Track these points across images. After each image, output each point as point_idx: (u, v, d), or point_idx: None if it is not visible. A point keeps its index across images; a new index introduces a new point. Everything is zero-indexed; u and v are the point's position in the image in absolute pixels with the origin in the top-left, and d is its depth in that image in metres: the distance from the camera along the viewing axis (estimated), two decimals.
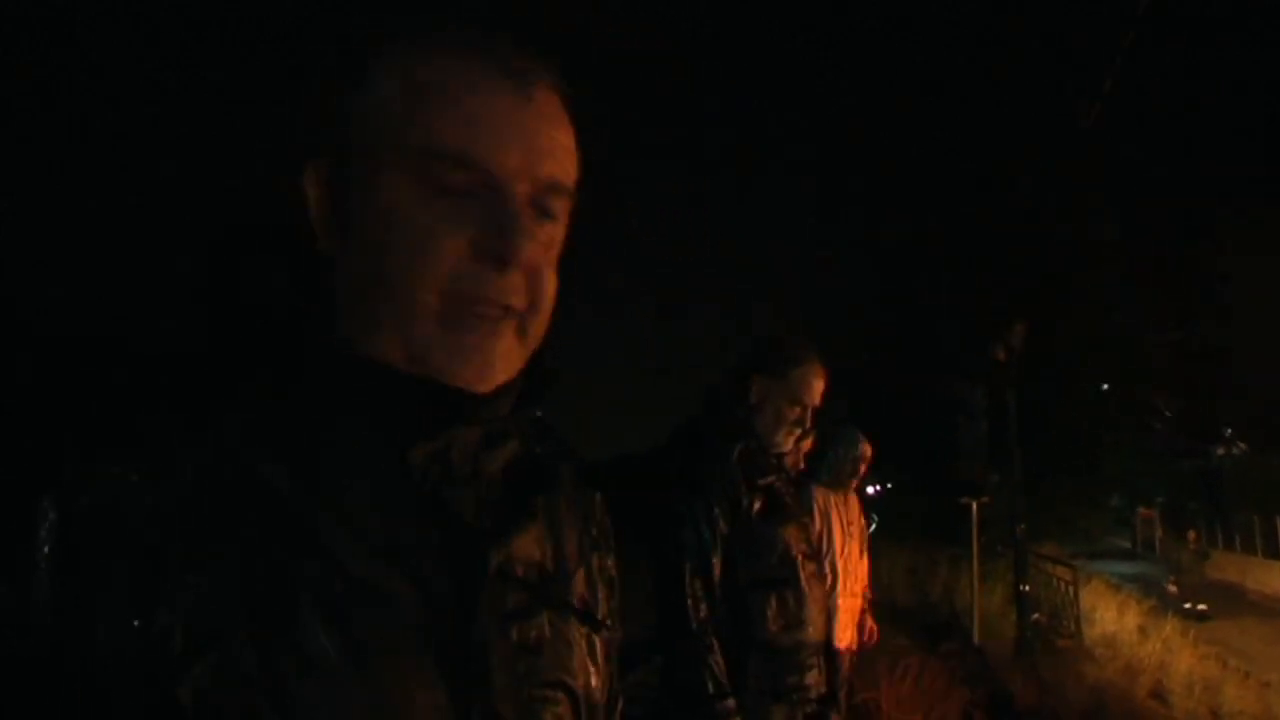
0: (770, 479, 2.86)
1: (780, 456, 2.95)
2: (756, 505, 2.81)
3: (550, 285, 0.85)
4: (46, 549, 0.72)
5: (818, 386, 2.93)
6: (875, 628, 5.40)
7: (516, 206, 0.80)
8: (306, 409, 0.80)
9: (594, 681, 0.92)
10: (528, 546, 0.89)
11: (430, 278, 0.78)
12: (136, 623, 0.69)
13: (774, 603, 2.75)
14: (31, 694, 0.70)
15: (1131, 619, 11.58)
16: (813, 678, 2.82)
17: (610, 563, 1.03)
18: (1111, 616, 11.72)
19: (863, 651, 5.39)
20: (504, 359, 0.82)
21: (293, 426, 0.79)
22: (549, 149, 0.83)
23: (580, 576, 0.95)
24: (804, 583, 2.80)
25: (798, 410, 2.89)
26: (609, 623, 0.97)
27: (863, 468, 5.23)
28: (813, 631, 2.80)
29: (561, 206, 0.86)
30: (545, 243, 0.84)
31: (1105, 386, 25.36)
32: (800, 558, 2.83)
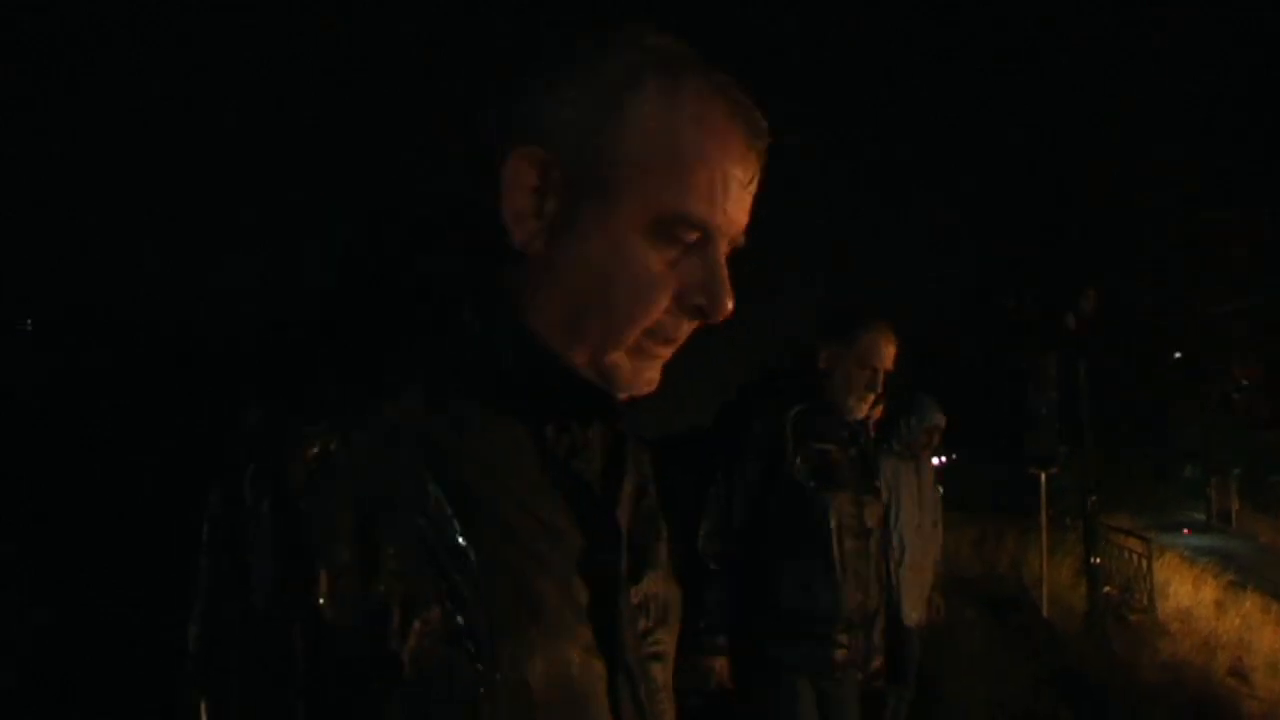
0: (828, 445, 2.87)
1: (857, 424, 2.96)
2: (797, 467, 2.81)
3: None
4: (262, 514, 0.71)
5: (887, 350, 2.92)
6: (942, 604, 5.29)
7: (722, 263, 0.88)
8: (475, 387, 0.83)
9: (675, 635, 0.99)
10: (627, 509, 0.95)
11: (645, 320, 0.86)
12: (358, 594, 0.71)
13: (795, 569, 2.76)
14: (253, 664, 0.70)
15: (1208, 593, 11.29)
16: (842, 654, 2.80)
17: (664, 521, 1.08)
18: (1187, 591, 11.44)
19: (931, 626, 5.29)
20: (658, 379, 0.92)
21: (462, 402, 0.82)
22: (746, 205, 0.90)
23: (660, 537, 1.01)
24: (837, 555, 2.79)
25: (867, 373, 2.90)
26: (677, 578, 1.03)
27: (936, 437, 5.10)
28: (841, 606, 2.79)
29: (729, 252, 0.91)
30: None
31: (1178, 355, 24.75)
32: (839, 530, 2.81)
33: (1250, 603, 10.55)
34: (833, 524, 2.81)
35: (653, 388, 0.91)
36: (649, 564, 0.96)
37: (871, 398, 2.94)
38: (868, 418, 3.04)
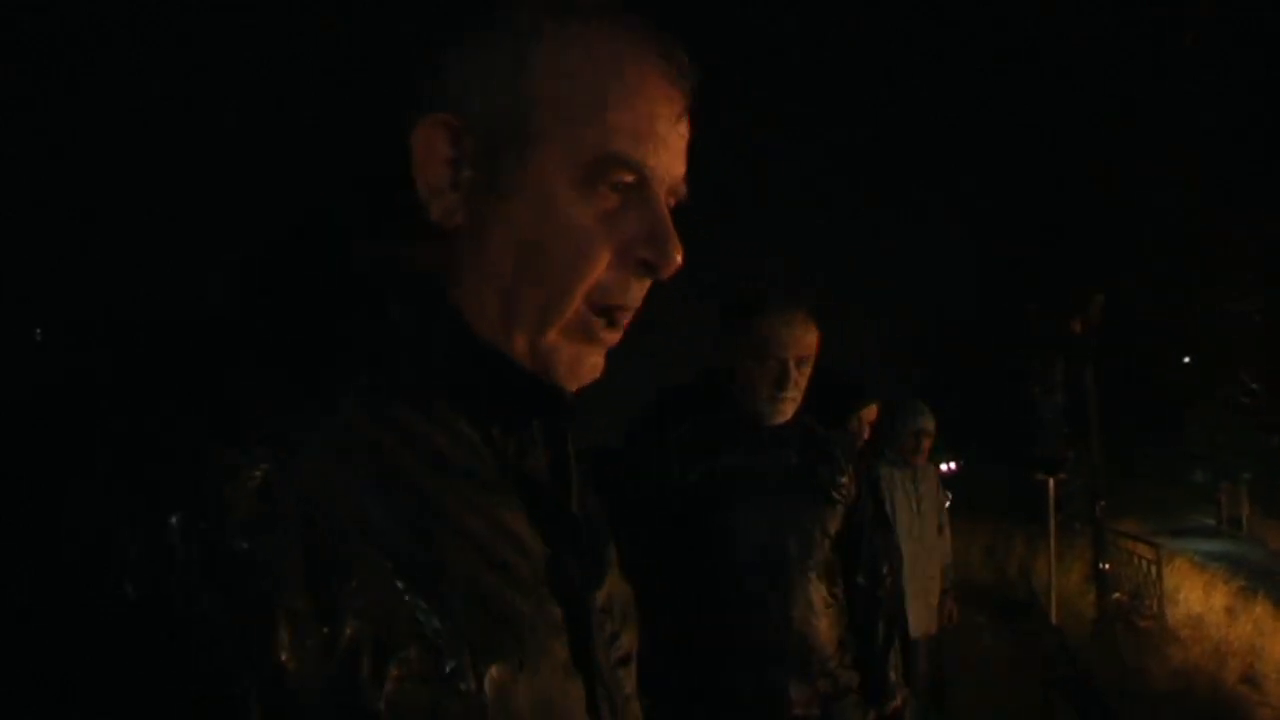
0: (735, 457, 2.35)
1: (793, 428, 2.42)
2: (697, 492, 2.29)
3: None
4: (196, 568, 0.58)
5: (796, 337, 2.35)
6: (955, 609, 5.24)
7: (664, 210, 0.81)
8: (415, 389, 0.76)
9: (636, 634, 0.95)
10: (578, 507, 0.90)
11: (585, 281, 0.78)
12: (321, 644, 0.61)
13: (731, 613, 2.25)
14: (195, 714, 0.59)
15: (1219, 599, 11.19)
16: (799, 694, 2.28)
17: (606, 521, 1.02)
18: (1197, 597, 11.35)
19: (941, 634, 5.24)
20: (602, 365, 0.85)
21: (403, 407, 0.74)
22: (681, 150, 0.84)
23: (608, 536, 0.97)
24: (793, 598, 2.28)
25: (771, 367, 2.33)
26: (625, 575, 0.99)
27: (926, 442, 5.01)
28: (794, 639, 2.28)
29: (672, 206, 0.85)
30: None
31: (1187, 359, 24.67)
32: (779, 550, 2.29)
33: (1261, 609, 10.45)
34: (760, 552, 2.29)
35: (598, 374, 0.84)
36: (605, 563, 0.92)
37: (786, 398, 2.35)
38: (796, 422, 2.46)
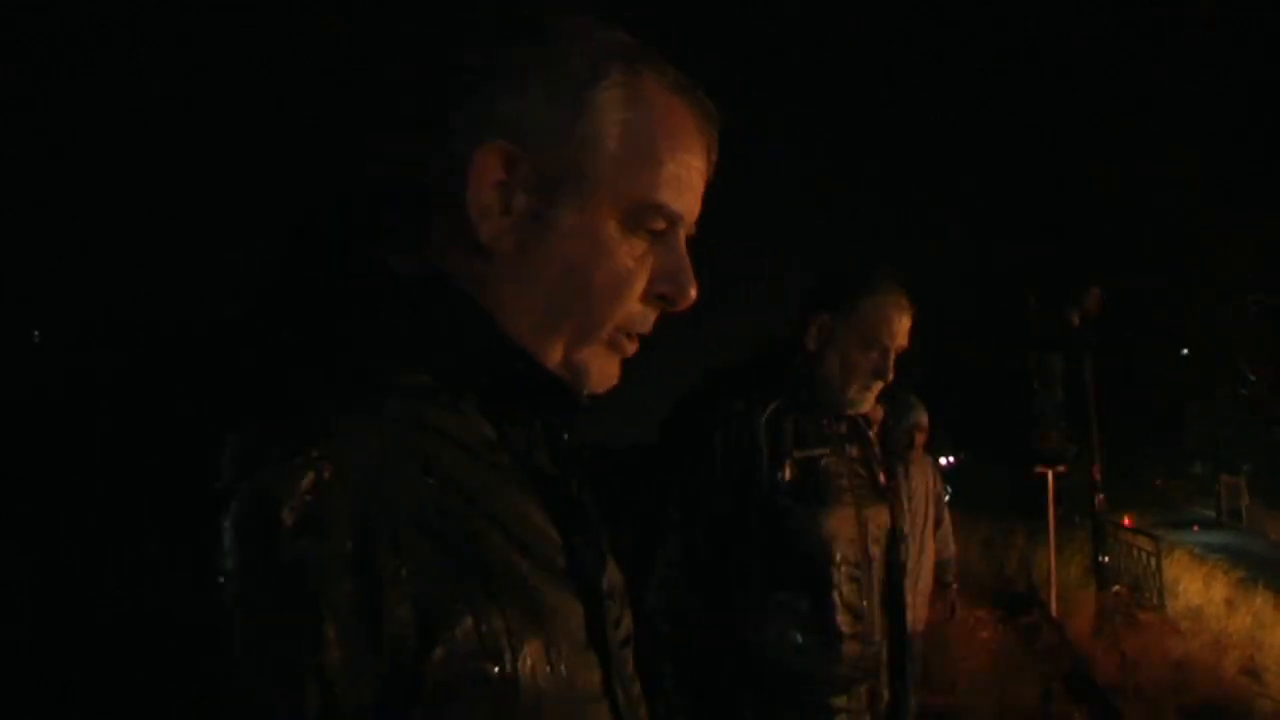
0: (818, 451, 2.19)
1: (854, 421, 2.29)
2: (784, 479, 2.13)
3: None
4: (252, 566, 0.62)
5: (900, 322, 2.21)
6: (955, 604, 5.26)
7: (685, 250, 0.91)
8: (449, 390, 0.81)
9: (632, 624, 0.99)
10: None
11: (621, 312, 0.88)
12: (371, 632, 0.65)
13: (797, 608, 2.11)
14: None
15: (1219, 591, 11.22)
16: (856, 701, 2.16)
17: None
18: (1197, 588, 11.37)
19: (937, 626, 5.26)
20: (617, 374, 0.93)
21: (438, 407, 0.79)
22: (701, 194, 0.92)
23: (603, 526, 1.01)
24: (837, 594, 2.13)
25: (874, 355, 2.19)
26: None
27: (920, 437, 5.00)
28: (841, 663, 2.13)
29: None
30: None
31: (1186, 352, 24.68)
32: (839, 562, 2.14)
33: (1261, 600, 10.47)
34: (833, 556, 2.15)
35: (614, 383, 0.92)
36: (605, 551, 0.96)
37: (879, 386, 2.23)
38: (874, 410, 2.34)
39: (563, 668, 0.78)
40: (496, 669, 0.72)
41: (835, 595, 2.14)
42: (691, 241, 0.94)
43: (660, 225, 0.88)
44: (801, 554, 2.14)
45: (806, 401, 2.22)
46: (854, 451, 2.29)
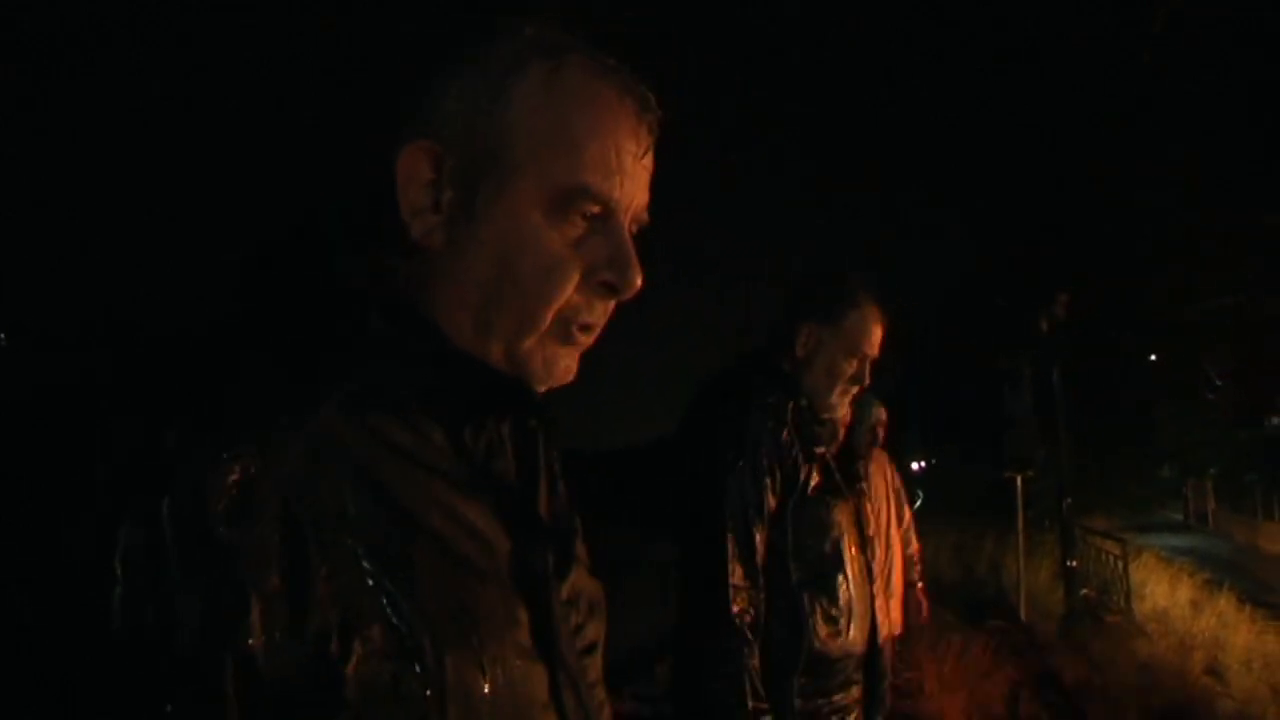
0: (824, 448, 2.36)
1: (833, 422, 2.43)
2: (814, 480, 2.31)
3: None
4: (183, 550, 0.64)
5: (877, 333, 2.39)
6: (925, 604, 5.28)
7: (627, 238, 0.88)
8: (392, 395, 0.81)
9: (604, 628, 0.99)
10: (545, 507, 0.95)
11: (555, 301, 0.85)
12: (293, 624, 0.67)
13: (823, 603, 2.27)
14: (184, 714, 0.63)
15: (1184, 593, 11.34)
16: (853, 695, 2.34)
17: (576, 516, 1.06)
18: (1163, 591, 11.49)
19: (909, 631, 5.29)
20: (575, 368, 0.91)
21: (380, 412, 0.80)
22: (644, 180, 0.91)
23: (576, 532, 1.01)
24: (852, 579, 2.33)
25: (855, 363, 2.36)
26: (596, 572, 1.03)
27: (880, 432, 5.06)
28: (858, 639, 2.33)
29: (634, 232, 0.92)
30: None
31: (1154, 356, 24.95)
32: (852, 549, 2.36)
33: (1225, 602, 10.59)
34: (845, 543, 2.33)
35: (570, 377, 0.91)
36: (572, 559, 0.96)
37: (856, 391, 2.41)
38: (847, 413, 2.50)
39: (500, 673, 0.78)
40: (417, 669, 0.72)
41: (852, 577, 2.33)
42: (646, 230, 0.93)
43: (593, 209, 0.86)
44: (828, 542, 2.31)
45: (805, 403, 2.37)
46: (833, 450, 2.44)
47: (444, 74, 0.86)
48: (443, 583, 0.77)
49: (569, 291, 0.86)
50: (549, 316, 0.86)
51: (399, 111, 0.86)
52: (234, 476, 0.67)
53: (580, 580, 0.96)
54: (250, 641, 0.65)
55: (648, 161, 0.91)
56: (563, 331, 0.87)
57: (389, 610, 0.72)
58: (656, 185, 0.94)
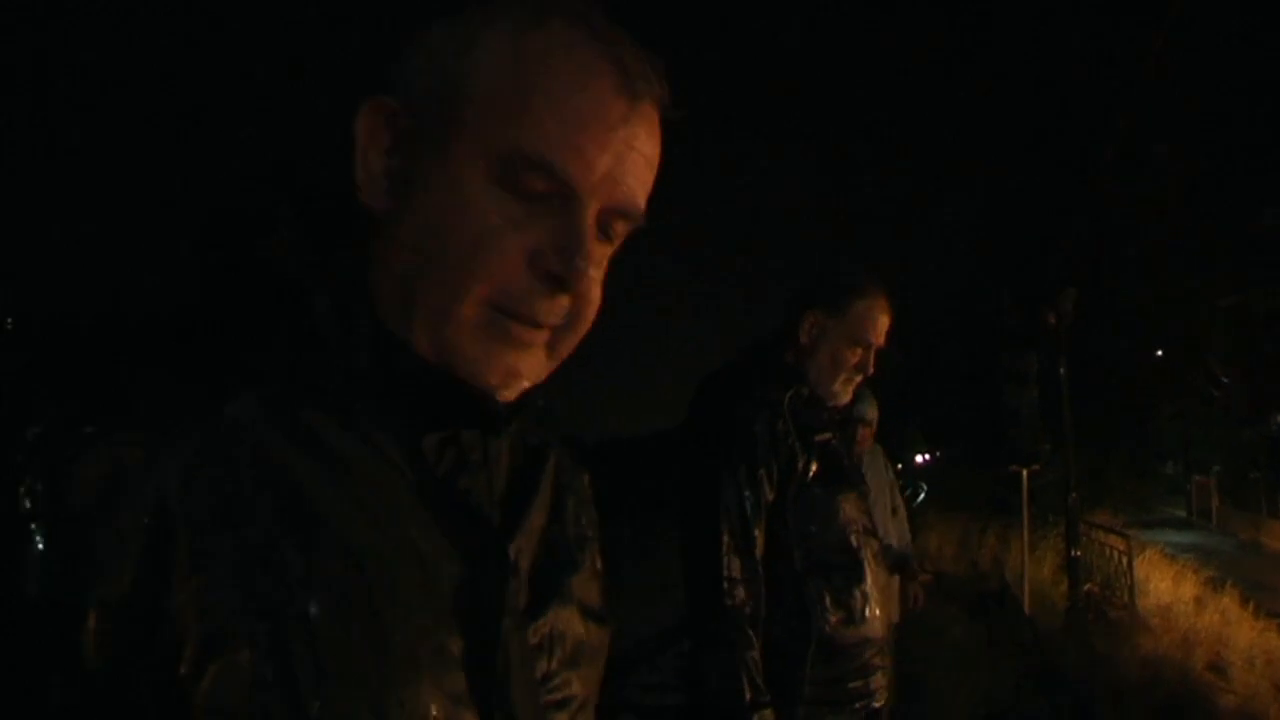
0: (826, 435, 2.37)
1: (836, 409, 2.45)
2: (813, 468, 2.30)
3: (593, 306, 0.80)
4: (35, 537, 0.60)
5: (882, 323, 2.40)
6: (921, 594, 5.31)
7: (585, 227, 0.75)
8: (324, 387, 0.74)
9: (594, 679, 0.88)
10: (533, 537, 0.85)
11: (480, 283, 0.74)
12: (139, 632, 0.61)
13: (833, 590, 2.26)
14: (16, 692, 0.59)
15: (1188, 589, 11.33)
16: (878, 681, 2.33)
17: (598, 553, 0.96)
18: (1166, 587, 11.48)
19: (906, 619, 5.31)
20: (530, 372, 0.79)
21: (313, 409, 0.72)
22: (634, 169, 0.77)
23: (579, 569, 0.91)
24: (866, 565, 2.32)
25: (859, 352, 2.38)
26: (604, 617, 0.92)
27: (867, 432, 5.08)
28: (877, 624, 2.33)
29: (624, 229, 0.81)
30: (598, 262, 0.80)
31: (1160, 353, 24.89)
32: (861, 533, 2.35)
33: (1228, 599, 10.58)
34: (851, 529, 2.33)
35: (521, 380, 0.78)
36: (555, 597, 0.85)
37: (859, 380, 2.43)
38: (850, 401, 2.52)
39: (408, 714, 0.68)
40: (288, 708, 0.63)
41: (866, 569, 2.33)
42: (638, 234, 0.81)
43: (541, 185, 0.74)
44: (835, 532, 2.31)
45: (807, 392, 2.38)
46: (840, 441, 2.46)
47: (421, 31, 0.77)
48: (347, 606, 0.67)
49: (499, 270, 0.74)
50: (473, 295, 0.74)
51: (357, 71, 0.78)
52: (102, 465, 0.62)
53: (564, 623, 0.85)
54: (85, 647, 0.59)
55: (642, 147, 0.77)
56: (497, 322, 0.75)
57: (266, 634, 0.63)
58: (662, 185, 0.81)
